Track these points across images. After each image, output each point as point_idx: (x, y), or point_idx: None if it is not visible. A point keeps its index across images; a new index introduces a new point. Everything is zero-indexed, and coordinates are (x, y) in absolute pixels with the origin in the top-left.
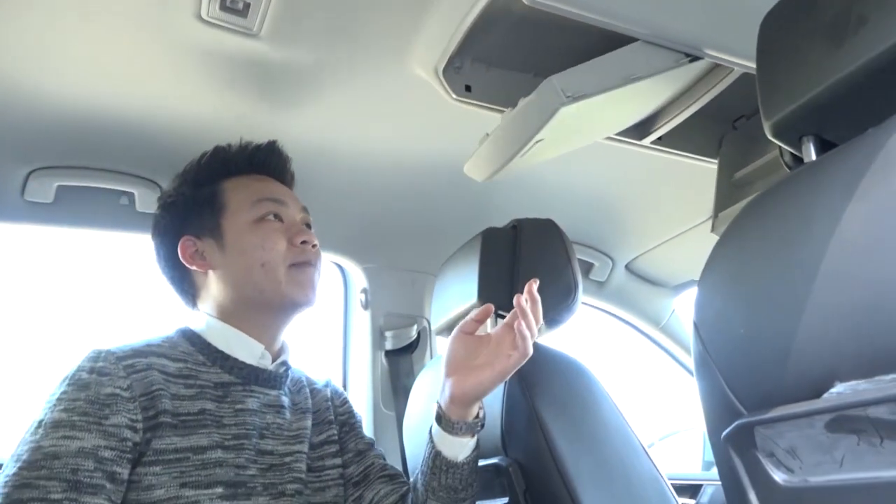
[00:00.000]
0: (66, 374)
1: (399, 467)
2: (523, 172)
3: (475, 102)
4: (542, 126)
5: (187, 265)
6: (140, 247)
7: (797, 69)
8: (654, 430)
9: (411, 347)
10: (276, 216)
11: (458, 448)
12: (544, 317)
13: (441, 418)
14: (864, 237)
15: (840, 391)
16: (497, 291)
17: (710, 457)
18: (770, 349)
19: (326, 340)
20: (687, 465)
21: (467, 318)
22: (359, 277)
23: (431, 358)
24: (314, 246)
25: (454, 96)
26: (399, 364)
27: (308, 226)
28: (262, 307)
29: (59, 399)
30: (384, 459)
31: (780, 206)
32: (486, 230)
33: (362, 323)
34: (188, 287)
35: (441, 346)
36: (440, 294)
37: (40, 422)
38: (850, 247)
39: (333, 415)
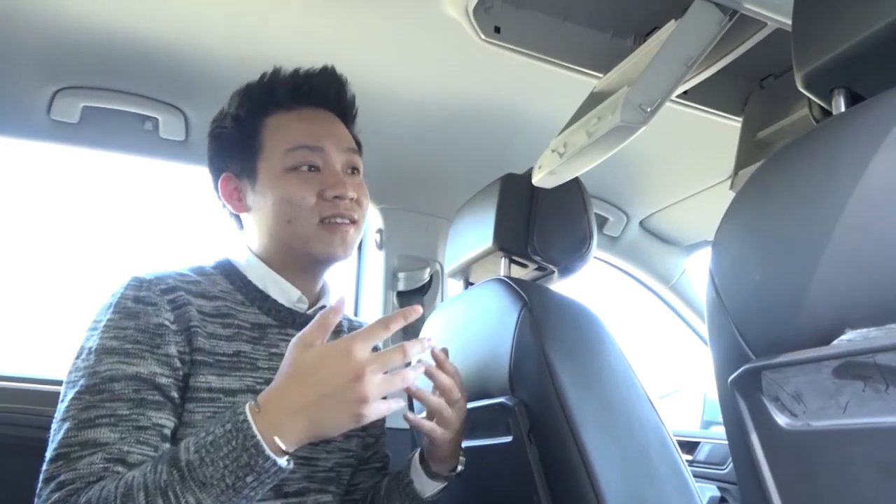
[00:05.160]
0: (107, 302)
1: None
2: (544, 121)
3: (503, 45)
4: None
5: (225, 203)
6: (160, 173)
7: (833, 19)
8: (655, 388)
9: (423, 290)
10: (311, 166)
11: (430, 487)
12: (558, 265)
13: (424, 461)
14: (887, 187)
15: (850, 338)
16: (512, 237)
17: (709, 416)
18: (784, 295)
19: (339, 278)
20: (686, 423)
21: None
22: (374, 217)
23: (442, 301)
24: (352, 199)
25: (483, 37)
26: (410, 306)
27: (354, 169)
28: (292, 258)
29: (106, 326)
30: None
31: (805, 156)
32: (505, 176)
33: (376, 263)
34: (235, 220)
35: (453, 290)
36: (455, 236)
37: (90, 349)
38: (872, 196)
39: None
